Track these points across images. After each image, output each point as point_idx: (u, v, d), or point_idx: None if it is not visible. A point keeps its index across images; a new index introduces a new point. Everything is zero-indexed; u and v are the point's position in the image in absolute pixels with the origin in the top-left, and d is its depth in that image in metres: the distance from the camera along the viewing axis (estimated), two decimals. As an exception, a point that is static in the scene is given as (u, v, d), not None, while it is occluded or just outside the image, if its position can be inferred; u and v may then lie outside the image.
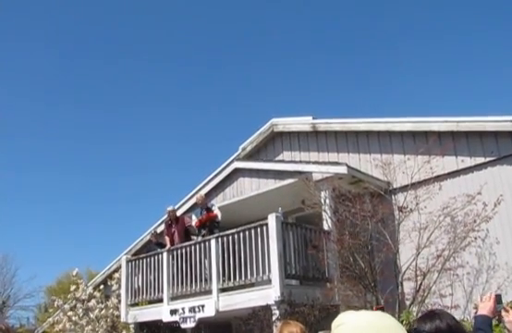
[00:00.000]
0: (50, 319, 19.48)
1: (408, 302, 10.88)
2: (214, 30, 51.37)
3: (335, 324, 2.19)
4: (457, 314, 10.68)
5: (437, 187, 11.50)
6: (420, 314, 8.29)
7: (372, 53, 49.79)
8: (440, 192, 11.46)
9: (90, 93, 52.63)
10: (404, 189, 11.78)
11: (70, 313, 16.96)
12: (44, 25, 48.51)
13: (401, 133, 13.26)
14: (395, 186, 12.18)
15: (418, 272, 10.75)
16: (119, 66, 51.82)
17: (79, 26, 48.20)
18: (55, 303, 17.88)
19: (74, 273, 18.25)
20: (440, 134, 12.39)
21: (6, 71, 48.12)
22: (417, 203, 11.14)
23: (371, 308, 9.52)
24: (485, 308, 3.42)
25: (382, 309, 2.20)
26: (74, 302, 17.26)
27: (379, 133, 13.73)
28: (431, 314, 2.86)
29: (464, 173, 12.09)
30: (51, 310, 20.20)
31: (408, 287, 11.02)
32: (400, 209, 11.31)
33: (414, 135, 13.01)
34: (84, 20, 47.97)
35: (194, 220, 13.91)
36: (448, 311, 10.52)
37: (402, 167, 11.88)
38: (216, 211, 13.72)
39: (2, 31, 46.69)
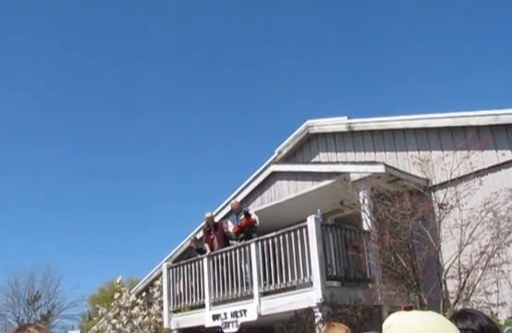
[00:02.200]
0: (94, 327, 19.67)
1: (452, 301, 10.65)
2: (242, 32, 51.55)
3: (385, 325, 2.13)
4: (505, 312, 10.46)
5: (478, 182, 11.27)
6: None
7: (404, 49, 49.38)
8: (481, 188, 11.20)
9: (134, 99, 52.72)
10: (443, 185, 11.58)
11: (114, 320, 17.12)
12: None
13: (438, 129, 13.07)
14: (434, 183, 11.98)
15: (461, 269, 10.53)
16: (138, 70, 51.96)
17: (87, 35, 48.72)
18: (99, 312, 18.07)
19: (118, 280, 18.42)
20: (478, 128, 12.16)
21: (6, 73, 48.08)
22: (457, 200, 10.92)
23: (416, 307, 9.36)
24: None
25: (410, 307, 2.10)
26: (117, 309, 17.41)
27: (416, 130, 13.54)
28: (462, 314, 2.72)
29: (505, 167, 11.84)
30: (95, 318, 20.37)
31: (451, 285, 10.80)
32: (440, 206, 11.11)
33: (452, 131, 12.80)
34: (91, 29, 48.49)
35: (231, 226, 13.89)
36: (495, 308, 10.37)
37: (441, 164, 11.68)
38: (254, 215, 13.69)
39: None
